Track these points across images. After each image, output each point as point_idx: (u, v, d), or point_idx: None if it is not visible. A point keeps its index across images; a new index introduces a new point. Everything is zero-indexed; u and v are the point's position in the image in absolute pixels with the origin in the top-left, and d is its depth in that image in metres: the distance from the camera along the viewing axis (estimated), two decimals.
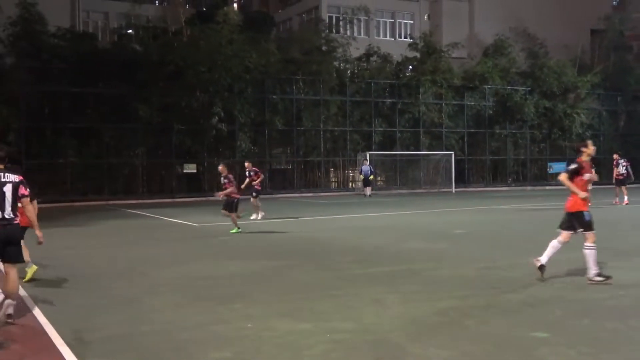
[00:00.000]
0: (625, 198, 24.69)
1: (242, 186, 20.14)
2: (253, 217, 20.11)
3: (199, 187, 35.87)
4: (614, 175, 25.40)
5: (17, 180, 7.29)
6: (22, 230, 7.85)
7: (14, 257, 7.37)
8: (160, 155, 35.76)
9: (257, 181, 20.49)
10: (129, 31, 39.98)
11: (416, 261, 11.33)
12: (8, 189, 7.20)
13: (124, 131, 34.39)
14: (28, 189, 7.50)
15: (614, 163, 25.57)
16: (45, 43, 33.79)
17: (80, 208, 27.84)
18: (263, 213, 20.48)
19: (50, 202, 30.89)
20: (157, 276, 10.13)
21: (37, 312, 7.66)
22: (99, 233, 17.82)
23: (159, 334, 6.70)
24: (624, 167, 25.15)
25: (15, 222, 7.30)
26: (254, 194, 20.52)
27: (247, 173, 20.86)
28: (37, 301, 8.24)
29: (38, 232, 7.84)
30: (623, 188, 24.92)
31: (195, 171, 36.12)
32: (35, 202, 7.91)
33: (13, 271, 7.28)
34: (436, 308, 7.56)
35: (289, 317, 7.24)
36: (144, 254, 12.94)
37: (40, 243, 7.86)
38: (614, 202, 24.61)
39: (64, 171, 32.85)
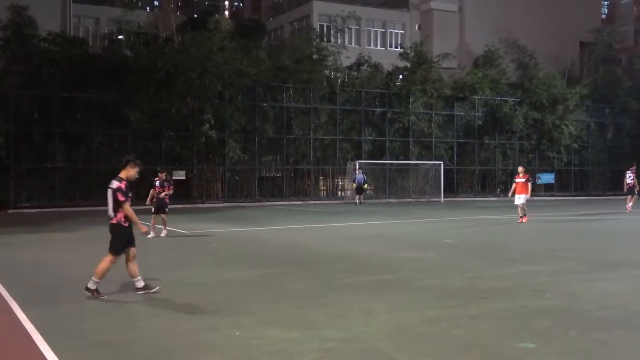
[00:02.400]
0: (629, 205, 27.04)
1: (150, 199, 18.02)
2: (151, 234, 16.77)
3: (188, 193, 35.77)
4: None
5: (114, 187, 8.83)
6: (116, 226, 8.92)
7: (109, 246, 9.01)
8: (149, 161, 35.57)
9: (165, 194, 17.81)
10: (120, 37, 39.93)
11: (405, 270, 11.35)
12: (109, 193, 8.88)
13: (113, 137, 34.30)
14: (122, 196, 8.84)
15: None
16: (36, 47, 33.68)
17: (67, 214, 27.68)
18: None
19: (38, 207, 30.82)
20: (146, 283, 10.07)
21: (23, 318, 7.60)
22: (87, 239, 17.72)
23: (147, 340, 6.68)
24: (630, 178, 27.53)
25: (113, 220, 8.89)
26: (166, 209, 17.91)
27: (157, 183, 18.01)
28: (24, 306, 8.18)
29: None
30: (629, 197, 27.45)
31: (184, 178, 35.99)
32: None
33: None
34: (424, 317, 7.57)
35: (278, 325, 7.23)
36: None
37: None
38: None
39: (53, 176, 32.69)
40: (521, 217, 21.61)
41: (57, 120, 32.67)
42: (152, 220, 17.54)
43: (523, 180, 21.85)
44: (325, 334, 6.81)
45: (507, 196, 24.09)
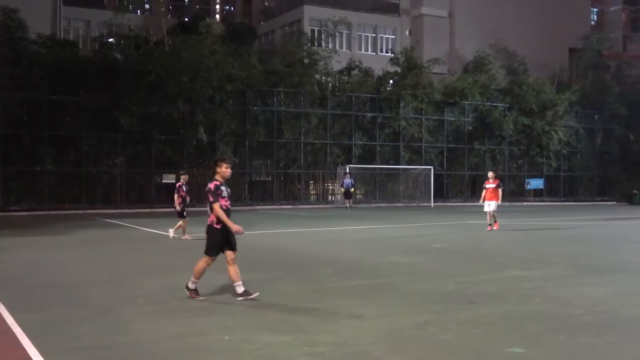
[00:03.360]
0: None
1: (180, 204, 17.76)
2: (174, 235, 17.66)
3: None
4: None
5: (206, 188, 8.84)
6: (210, 227, 8.95)
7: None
8: (139, 164, 35.53)
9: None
10: (111, 40, 39.82)
11: (395, 275, 11.37)
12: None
13: (103, 140, 34.15)
14: (212, 197, 8.76)
15: None
16: (26, 50, 33.53)
17: (57, 217, 27.55)
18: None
19: (27, 210, 30.66)
20: (135, 286, 10.06)
21: (11, 322, 7.56)
22: (76, 242, 17.64)
23: (136, 344, 6.66)
24: None
25: (208, 221, 8.90)
26: (184, 213, 17.72)
27: (181, 187, 17.95)
28: (12, 310, 8.13)
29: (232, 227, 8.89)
30: None
31: (174, 181, 35.88)
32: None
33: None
34: (414, 322, 7.59)
35: (268, 329, 7.22)
36: (122, 264, 12.85)
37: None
38: None
39: (42, 179, 32.54)
40: (490, 224, 20.47)
41: (47, 123, 32.51)
42: (183, 224, 17.53)
43: (493, 186, 20.74)
44: (315, 338, 6.81)
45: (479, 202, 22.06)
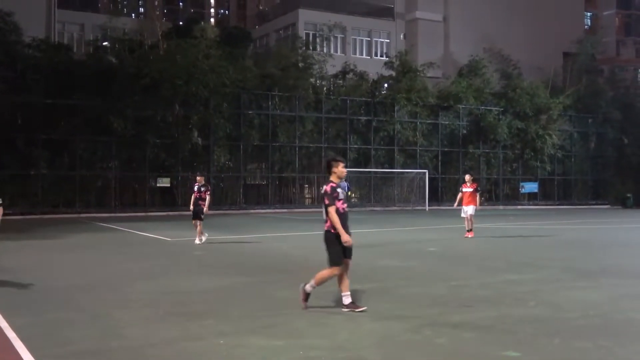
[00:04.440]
0: None
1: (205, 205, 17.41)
2: (197, 241, 17.43)
3: (173, 201, 35.67)
4: None
5: (322, 191, 8.43)
6: (327, 233, 8.46)
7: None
8: (133, 168, 35.49)
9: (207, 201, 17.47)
10: (105, 43, 39.82)
11: (389, 279, 11.36)
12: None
13: (97, 143, 34.13)
14: (327, 199, 8.31)
15: None
16: (20, 53, 33.51)
17: (51, 221, 27.48)
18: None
19: (21, 214, 30.52)
20: (128, 291, 10.03)
21: (5, 326, 7.52)
22: (70, 246, 17.59)
23: (129, 349, 6.63)
24: None
25: (325, 227, 8.41)
26: (202, 216, 17.39)
27: (196, 187, 17.60)
28: (6, 314, 8.09)
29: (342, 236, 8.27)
30: None
31: (169, 185, 35.89)
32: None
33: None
34: (409, 325, 7.58)
35: (262, 333, 7.21)
36: (115, 268, 12.81)
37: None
38: None
39: (35, 183, 32.45)
40: (468, 230, 19.41)
41: (41, 126, 32.45)
42: (197, 227, 17.33)
43: (471, 190, 19.53)
44: (310, 343, 6.79)
45: (454, 206, 21.02)
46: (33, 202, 32.17)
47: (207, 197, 17.32)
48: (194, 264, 13.62)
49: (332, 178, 8.46)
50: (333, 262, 8.33)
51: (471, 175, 20.57)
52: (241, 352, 6.44)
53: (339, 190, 8.35)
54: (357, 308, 8.29)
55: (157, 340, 6.97)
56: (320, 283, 8.45)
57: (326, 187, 8.34)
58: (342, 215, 8.33)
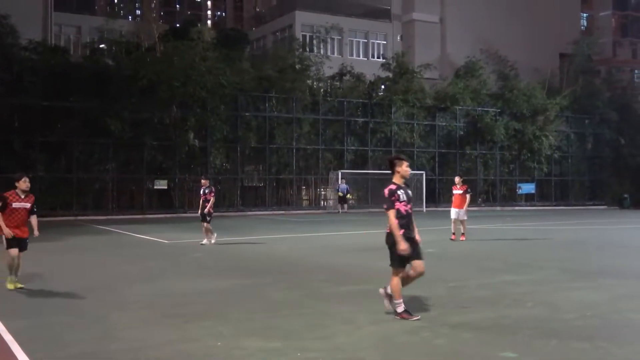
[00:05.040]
0: None
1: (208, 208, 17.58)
2: (204, 242, 17.70)
3: (170, 203, 35.63)
4: None
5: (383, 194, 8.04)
6: (389, 235, 8.00)
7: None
8: (131, 170, 35.44)
9: (211, 202, 17.63)
10: (102, 45, 39.77)
11: (387, 280, 11.33)
12: None
13: (94, 146, 34.05)
14: (385, 203, 7.97)
15: None
16: (17, 56, 33.43)
17: (48, 223, 27.41)
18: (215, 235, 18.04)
19: None
20: (125, 293, 10.02)
21: (2, 329, 7.51)
22: (67, 249, 17.58)
23: (127, 351, 6.62)
24: None
25: (387, 229, 8.01)
26: (208, 218, 17.61)
27: (201, 191, 17.89)
28: (3, 317, 8.08)
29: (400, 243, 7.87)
30: None
31: (166, 187, 35.86)
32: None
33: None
34: (406, 327, 7.58)
35: (259, 335, 7.21)
36: (113, 271, 12.80)
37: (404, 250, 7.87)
38: None
39: (33, 185, 31.84)
40: (454, 233, 18.83)
41: (38, 129, 32.39)
42: (203, 229, 17.62)
43: (460, 192, 18.90)
44: (307, 344, 6.79)
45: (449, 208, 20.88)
46: None
47: (211, 199, 17.55)
48: (192, 266, 13.61)
49: (395, 179, 8.11)
50: (396, 264, 8.01)
51: (461, 176, 20.06)
52: (239, 354, 6.44)
53: (399, 192, 7.96)
54: (412, 317, 7.88)
55: (155, 342, 6.97)
56: (400, 294, 8.03)
57: (384, 191, 7.98)
58: (406, 217, 7.95)
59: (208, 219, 17.52)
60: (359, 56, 53.05)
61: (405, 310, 7.93)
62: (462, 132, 44.64)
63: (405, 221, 7.93)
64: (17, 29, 33.44)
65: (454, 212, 18.82)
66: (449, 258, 14.86)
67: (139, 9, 62.87)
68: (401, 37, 55.66)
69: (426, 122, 43.39)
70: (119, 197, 35.54)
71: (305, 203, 41.25)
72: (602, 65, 58.00)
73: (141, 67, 34.28)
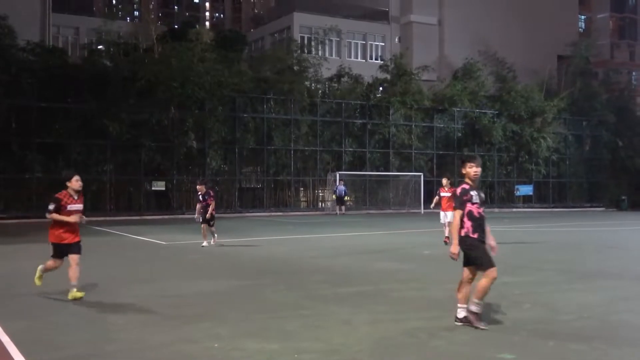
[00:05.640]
0: None
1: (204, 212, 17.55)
2: (205, 243, 17.54)
3: (168, 204, 35.61)
4: None
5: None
6: (466, 239, 7.61)
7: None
8: (128, 172, 35.41)
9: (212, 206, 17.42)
10: (100, 47, 39.75)
11: (384, 281, 11.36)
12: None
13: (92, 147, 34.04)
14: (452, 204, 7.77)
15: None
16: (15, 57, 33.41)
17: (45, 225, 27.37)
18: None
19: (16, 217, 30.45)
20: (123, 294, 10.00)
21: None
22: None
23: (124, 353, 6.61)
24: None
25: (461, 232, 7.57)
26: (211, 222, 17.51)
27: (200, 197, 17.60)
28: (0, 318, 8.07)
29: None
30: None
31: (164, 189, 35.83)
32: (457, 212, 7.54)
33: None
34: (404, 328, 7.57)
35: (257, 336, 7.20)
36: (110, 272, 12.77)
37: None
38: None
39: (30, 186, 32.32)
40: (447, 236, 17.59)
41: (36, 130, 32.37)
42: (202, 231, 17.53)
43: (449, 194, 18.06)
44: (305, 346, 6.79)
45: (430, 208, 20.38)
46: (28, 205, 32.03)
47: (212, 203, 17.40)
48: (189, 267, 13.60)
49: (466, 179, 7.72)
50: (488, 264, 7.54)
51: (449, 178, 19.28)
52: (236, 355, 6.43)
53: (472, 192, 7.53)
54: (480, 326, 7.44)
55: (152, 343, 6.96)
56: (484, 295, 7.60)
57: (456, 190, 7.68)
58: (479, 220, 7.55)
59: (212, 222, 17.47)
60: (357, 58, 53.13)
61: (466, 317, 7.57)
62: (460, 134, 44.68)
63: (479, 223, 7.55)
64: (15, 29, 33.45)
65: (443, 215, 18.37)
66: (446, 260, 14.75)
67: (137, 10, 62.84)
68: (399, 38, 55.74)
69: (424, 124, 43.43)
70: (116, 199, 35.51)
71: (303, 204, 41.24)
72: (600, 68, 58.15)
73: (139, 69, 34.28)
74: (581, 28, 70.30)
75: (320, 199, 41.90)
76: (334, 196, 37.49)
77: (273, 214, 37.16)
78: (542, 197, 48.34)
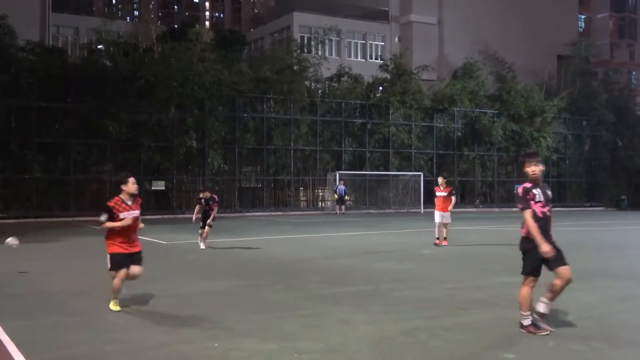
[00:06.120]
0: None
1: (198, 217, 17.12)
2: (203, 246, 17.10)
3: (168, 204, 35.58)
4: None
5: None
6: (524, 240, 7.36)
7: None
8: (128, 171, 35.33)
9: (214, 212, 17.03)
10: (99, 46, 39.73)
11: (383, 281, 11.36)
12: None
13: (91, 147, 33.99)
14: (519, 205, 7.38)
15: None
16: (14, 56, 33.35)
17: (45, 224, 27.39)
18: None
19: (15, 217, 30.43)
20: (122, 294, 9.98)
21: None
22: (64, 250, 17.56)
23: (123, 353, 6.62)
24: None
25: (522, 232, 7.36)
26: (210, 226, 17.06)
27: (203, 202, 17.01)
28: (0, 318, 8.08)
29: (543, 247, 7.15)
30: None
31: (163, 188, 35.80)
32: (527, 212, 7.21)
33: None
34: (403, 328, 7.58)
35: (256, 336, 7.20)
36: (110, 272, 12.75)
37: None
38: None
39: (30, 186, 32.29)
40: (438, 238, 17.97)
41: (35, 130, 32.33)
42: (204, 234, 17.13)
43: (445, 194, 17.88)
44: (304, 346, 6.79)
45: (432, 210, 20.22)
46: (27, 206, 32.01)
47: (215, 208, 16.99)
48: (189, 268, 13.60)
49: (529, 178, 7.49)
50: (528, 271, 7.28)
51: (444, 177, 18.74)
52: (236, 355, 6.44)
53: (534, 191, 7.29)
54: (539, 332, 7.21)
55: (151, 344, 6.96)
56: (529, 305, 7.27)
57: (518, 189, 7.43)
58: (542, 220, 7.23)
59: (212, 224, 17.34)
60: (356, 57, 53.12)
61: (533, 324, 7.24)
62: (459, 134, 44.67)
63: (542, 224, 7.22)
64: (15, 29, 33.39)
65: (438, 215, 17.88)
66: (445, 259, 14.86)
67: (136, 10, 62.86)
68: (399, 38, 55.73)
69: (424, 124, 43.42)
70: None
71: (303, 204, 41.21)
72: (600, 67, 58.16)
73: (139, 68, 34.26)
74: (581, 28, 70.32)
75: (320, 198, 41.88)
76: (335, 195, 37.49)
77: (273, 213, 37.16)
78: None
